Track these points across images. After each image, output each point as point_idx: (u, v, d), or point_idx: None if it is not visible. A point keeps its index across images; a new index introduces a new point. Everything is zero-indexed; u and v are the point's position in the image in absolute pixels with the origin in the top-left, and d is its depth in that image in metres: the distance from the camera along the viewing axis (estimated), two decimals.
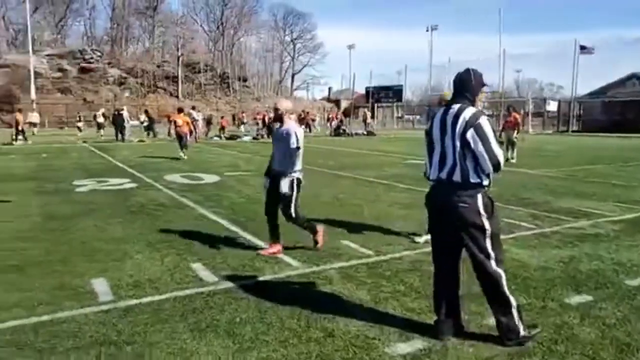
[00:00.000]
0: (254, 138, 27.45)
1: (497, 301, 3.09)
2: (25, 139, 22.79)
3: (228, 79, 62.81)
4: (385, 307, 3.67)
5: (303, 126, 30.02)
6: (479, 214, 2.99)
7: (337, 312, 3.56)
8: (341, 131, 32.30)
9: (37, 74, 42.63)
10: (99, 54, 56.18)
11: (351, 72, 62.08)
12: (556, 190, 9.21)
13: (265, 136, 28.02)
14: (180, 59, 58.45)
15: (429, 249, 5.17)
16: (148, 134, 26.12)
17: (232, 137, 26.55)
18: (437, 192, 3.17)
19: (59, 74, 50.56)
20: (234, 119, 29.06)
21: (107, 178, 10.60)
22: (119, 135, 24.11)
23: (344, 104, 65.03)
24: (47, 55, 52.00)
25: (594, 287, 4.10)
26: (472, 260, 3.09)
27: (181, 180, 10.42)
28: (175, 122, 16.20)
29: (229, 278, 4.28)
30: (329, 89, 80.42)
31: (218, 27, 69.25)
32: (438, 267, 3.29)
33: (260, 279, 4.29)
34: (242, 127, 32.44)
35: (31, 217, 6.71)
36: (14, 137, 22.38)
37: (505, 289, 3.06)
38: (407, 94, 57.03)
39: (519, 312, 3.10)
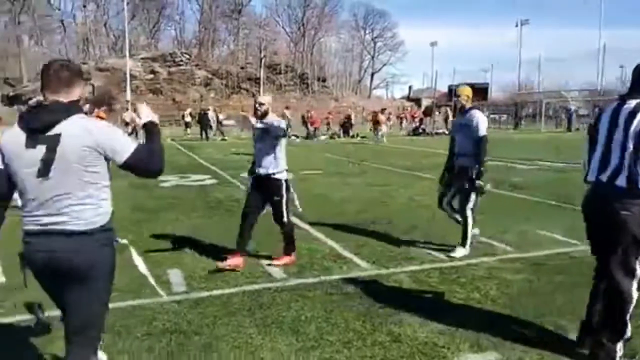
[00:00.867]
0: (330, 137, 27.61)
1: (613, 325, 2.75)
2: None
3: (307, 79, 63.80)
4: (457, 315, 3.48)
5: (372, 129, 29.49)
6: None
7: (405, 316, 3.44)
8: (420, 130, 31.51)
9: (132, 77, 45.87)
10: (187, 56, 59.37)
11: (433, 70, 60.27)
12: None
13: (341, 135, 28.16)
14: (263, 60, 60.26)
15: (509, 255, 4.90)
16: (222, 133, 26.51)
17: (307, 137, 26.87)
18: (596, 196, 2.82)
19: (151, 76, 54.10)
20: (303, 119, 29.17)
21: (190, 174, 11.12)
22: (204, 134, 25.24)
23: (425, 103, 63.64)
24: (142, 58, 55.80)
25: None
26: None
27: None
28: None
29: (297, 275, 4.29)
30: (410, 87, 79.09)
31: (299, 28, 70.54)
32: (596, 280, 2.96)
33: (328, 278, 4.25)
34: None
35: (121, 209, 7.18)
36: None
37: (628, 315, 2.73)
38: (493, 93, 54.56)
39: (625, 342, 2.78)
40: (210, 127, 25.62)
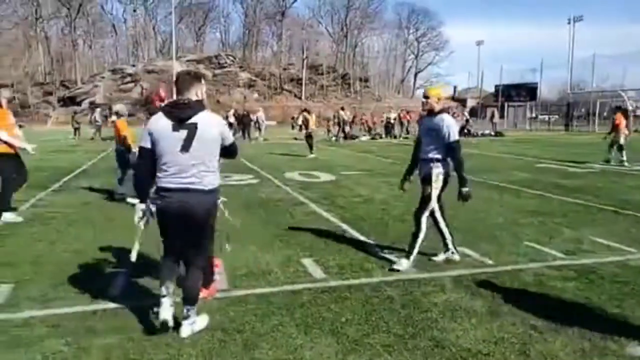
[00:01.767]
0: (372, 138, 27.45)
1: None
2: None
3: (349, 79, 63.73)
4: (502, 322, 3.35)
5: (399, 128, 28.99)
6: None
7: (448, 322, 3.34)
8: (466, 131, 30.75)
9: None
10: (231, 58, 60.58)
11: (479, 70, 59.04)
12: None
13: (383, 136, 27.94)
14: (305, 61, 60.63)
15: (558, 262, 4.69)
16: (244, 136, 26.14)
17: (351, 137, 26.79)
18: None
19: None
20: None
21: (232, 174, 11.28)
22: (246, 134, 25.63)
23: (470, 103, 62.30)
24: (188, 60, 57.32)
25: None
26: None
27: (299, 178, 10.74)
28: (307, 121, 16.95)
29: (338, 276, 4.26)
30: (454, 87, 77.64)
31: (342, 29, 70.56)
32: None
33: (369, 280, 4.20)
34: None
35: None
36: None
37: None
38: (542, 92, 52.55)
39: None
40: (259, 128, 26.20)
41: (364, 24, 70.62)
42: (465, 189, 4.44)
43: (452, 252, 4.66)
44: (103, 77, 56.37)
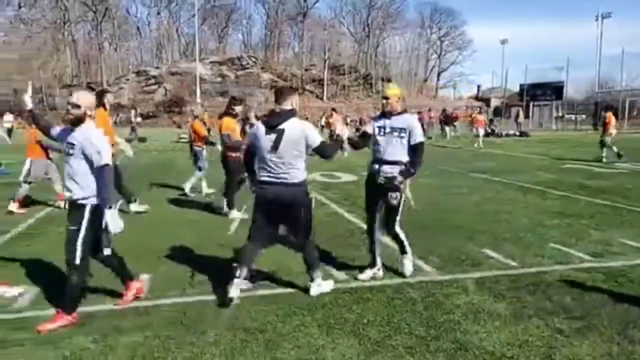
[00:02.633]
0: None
1: None
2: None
3: (371, 79, 63.51)
4: (527, 325, 3.30)
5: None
6: None
7: (471, 324, 3.31)
8: (490, 131, 30.26)
9: (202, 80, 47.76)
10: (254, 59, 60.98)
11: (503, 69, 58.11)
12: None
13: None
14: (327, 62, 60.64)
15: (585, 264, 4.59)
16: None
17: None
18: None
19: (219, 79, 56.03)
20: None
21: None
22: None
23: (494, 103, 61.39)
24: (210, 62, 57.95)
25: None
26: None
27: (320, 179, 10.75)
28: (331, 122, 17.04)
29: (359, 277, 4.24)
30: (478, 87, 76.60)
31: (364, 29, 70.33)
32: None
33: (391, 281, 4.18)
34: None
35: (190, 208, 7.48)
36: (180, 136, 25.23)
37: None
38: (568, 91, 51.38)
39: None
40: None
41: (385, 24, 70.21)
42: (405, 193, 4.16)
43: (378, 269, 4.34)
44: (128, 79, 57.41)
